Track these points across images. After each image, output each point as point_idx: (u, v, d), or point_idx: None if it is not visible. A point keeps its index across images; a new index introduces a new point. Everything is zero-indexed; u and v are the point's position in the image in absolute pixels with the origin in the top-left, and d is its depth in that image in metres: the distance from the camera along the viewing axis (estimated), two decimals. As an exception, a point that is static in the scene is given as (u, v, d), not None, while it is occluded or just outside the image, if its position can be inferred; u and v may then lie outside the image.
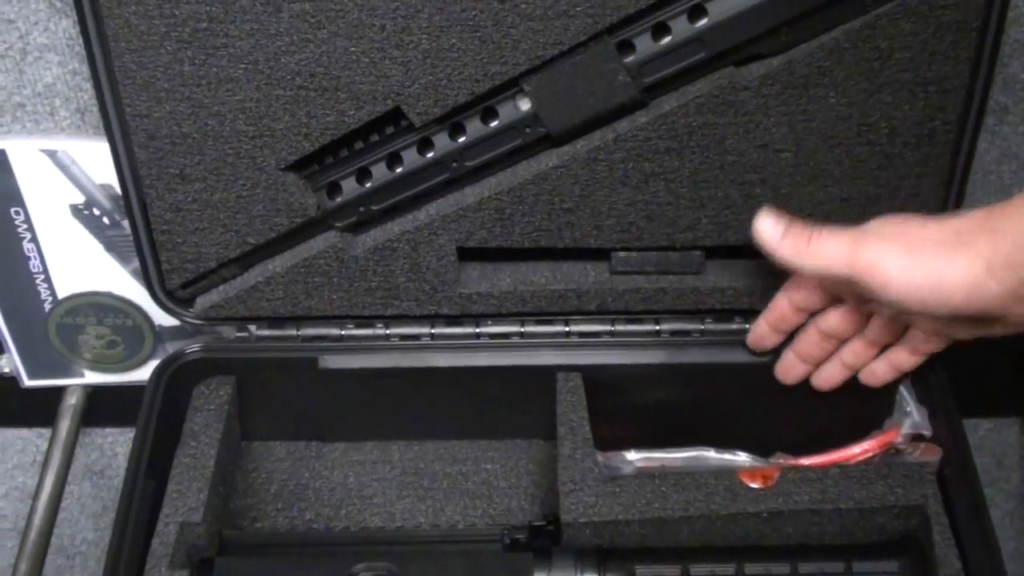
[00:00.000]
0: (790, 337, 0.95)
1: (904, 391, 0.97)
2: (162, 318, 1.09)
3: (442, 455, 1.05)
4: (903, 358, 0.92)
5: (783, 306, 0.93)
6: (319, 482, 1.03)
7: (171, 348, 1.11)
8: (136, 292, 1.08)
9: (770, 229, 0.85)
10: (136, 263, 1.01)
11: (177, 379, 0.98)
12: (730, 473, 0.92)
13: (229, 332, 1.02)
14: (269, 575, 0.90)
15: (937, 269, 0.76)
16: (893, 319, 0.89)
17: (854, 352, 0.93)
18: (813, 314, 0.93)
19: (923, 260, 0.77)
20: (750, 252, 0.92)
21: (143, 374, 1.13)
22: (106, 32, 0.84)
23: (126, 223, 0.98)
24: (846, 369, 0.94)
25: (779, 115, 0.87)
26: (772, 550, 0.90)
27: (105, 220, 1.03)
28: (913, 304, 0.78)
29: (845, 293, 0.89)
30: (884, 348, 0.93)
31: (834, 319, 0.92)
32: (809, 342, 0.94)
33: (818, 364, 0.96)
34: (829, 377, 0.95)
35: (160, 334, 1.11)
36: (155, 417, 0.95)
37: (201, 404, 0.98)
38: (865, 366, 0.94)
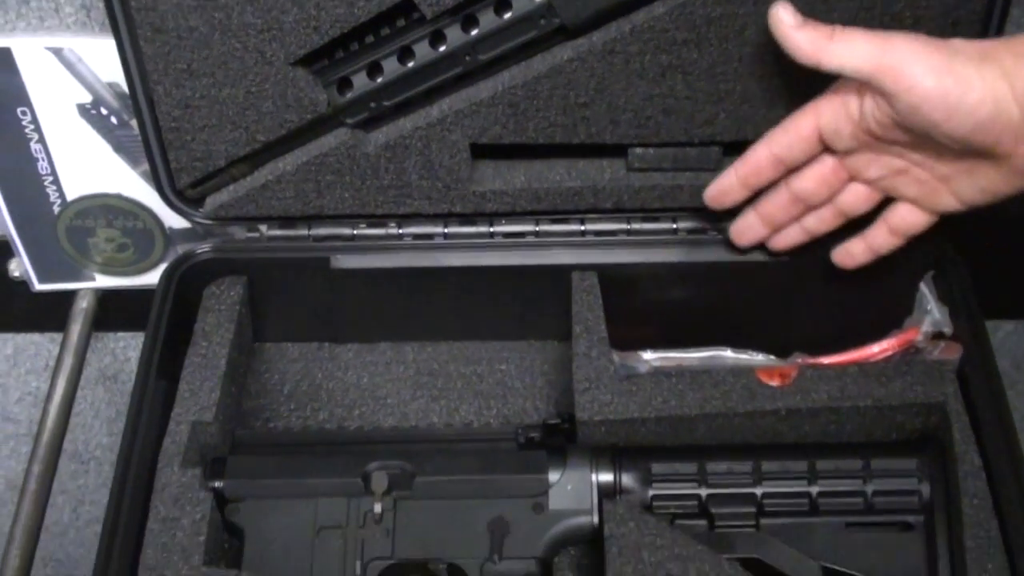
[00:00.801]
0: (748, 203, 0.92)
1: (925, 289, 0.96)
2: (173, 220, 1.08)
3: (456, 356, 1.04)
4: (881, 238, 0.89)
5: (761, 156, 0.88)
6: (332, 383, 1.03)
7: (182, 251, 1.10)
8: (146, 194, 1.06)
9: (788, 17, 0.80)
10: (146, 164, 0.99)
11: (188, 279, 0.98)
12: (747, 371, 0.91)
13: (240, 233, 1.01)
14: (282, 473, 0.89)
15: (966, 75, 0.73)
16: (877, 181, 0.86)
17: (820, 219, 0.90)
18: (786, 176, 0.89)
19: (953, 65, 0.74)
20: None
21: (154, 278, 1.12)
22: (109, -79, 0.83)
23: (134, 123, 0.96)
24: (805, 234, 0.91)
25: (801, 3, 0.85)
26: (790, 448, 0.90)
27: (113, 120, 1.02)
28: (936, 113, 0.75)
29: (843, 120, 0.83)
30: (852, 224, 0.90)
31: (810, 180, 0.87)
32: (776, 203, 0.90)
33: (777, 230, 0.92)
34: (786, 239, 0.92)
35: (171, 237, 1.10)
36: (166, 317, 0.95)
37: (212, 304, 0.97)
38: (827, 232, 0.91)
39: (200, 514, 0.85)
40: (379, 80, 0.90)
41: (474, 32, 0.88)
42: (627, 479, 0.88)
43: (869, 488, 0.87)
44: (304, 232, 0.98)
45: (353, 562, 0.86)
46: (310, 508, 0.88)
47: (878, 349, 0.95)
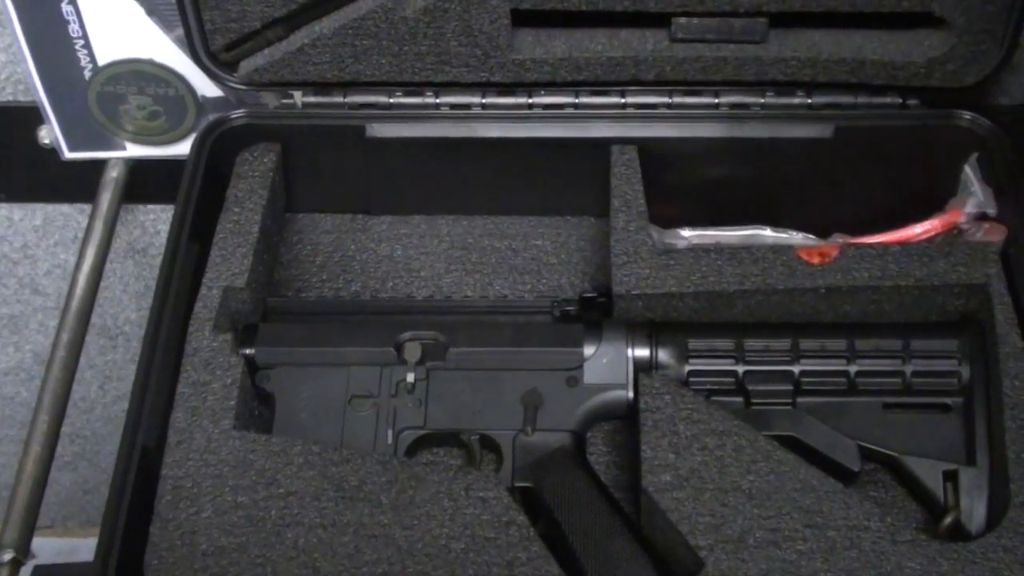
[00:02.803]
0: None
1: (969, 170, 0.93)
2: (206, 88, 1.06)
3: (491, 230, 1.03)
4: None
5: None
6: (365, 255, 1.02)
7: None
8: (179, 60, 1.04)
9: None
10: (179, 29, 0.97)
11: (221, 145, 0.96)
12: (787, 249, 0.90)
13: (273, 102, 0.99)
14: (314, 341, 0.89)
15: None
16: None
17: None
18: None
19: None
20: (816, 20, 0.87)
21: (185, 148, 1.10)
22: None
23: (167, -18, 0.95)
24: None
25: None
26: (829, 326, 0.89)
27: (145, -21, 1.00)
28: None
29: None
30: None
31: None
32: None
33: None
34: None
35: (203, 106, 1.08)
36: (198, 181, 0.94)
37: (245, 171, 0.96)
38: None
39: (231, 379, 0.85)
40: (419, -60, 0.88)
41: None
42: (663, 354, 0.87)
43: (908, 369, 0.86)
44: (339, 99, 0.96)
45: (385, 431, 0.86)
46: (342, 376, 0.88)
47: (920, 230, 0.93)
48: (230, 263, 0.90)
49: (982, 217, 0.92)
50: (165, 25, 1.02)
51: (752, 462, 0.81)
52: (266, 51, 0.94)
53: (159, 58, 1.05)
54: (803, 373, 0.86)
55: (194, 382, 0.85)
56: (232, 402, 0.84)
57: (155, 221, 1.23)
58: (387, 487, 0.81)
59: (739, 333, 0.88)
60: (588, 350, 0.87)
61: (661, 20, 0.92)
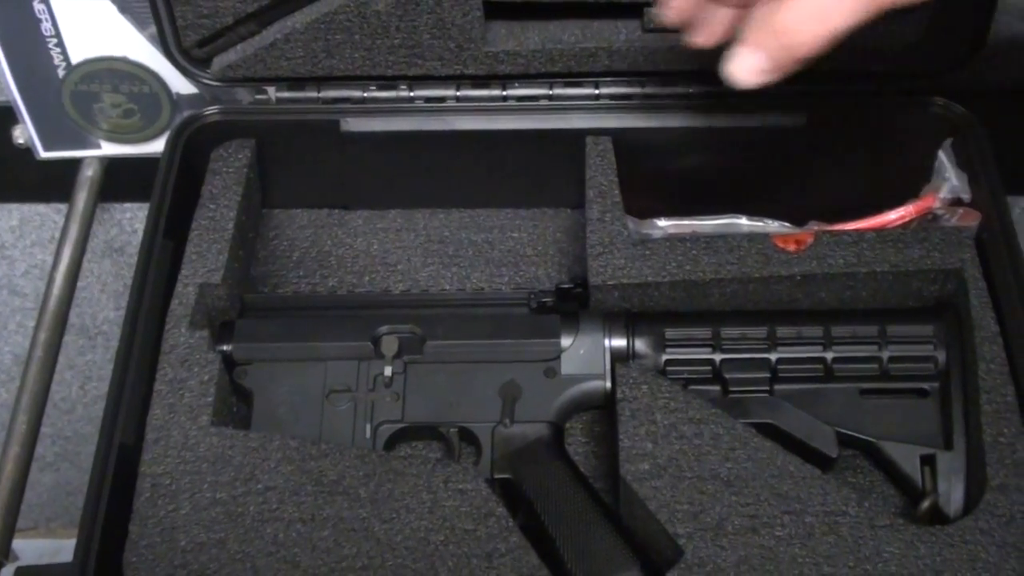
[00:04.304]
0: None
1: (943, 156, 0.94)
2: (180, 85, 1.06)
3: (467, 223, 1.03)
4: None
5: None
6: (342, 249, 1.01)
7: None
8: (153, 58, 1.04)
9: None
10: (153, 27, 0.97)
11: (195, 141, 0.96)
12: (763, 237, 0.90)
13: (246, 98, 0.99)
14: (291, 336, 0.89)
15: None
16: None
17: None
18: None
19: None
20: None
21: (160, 146, 1.10)
22: None
23: (139, -21, 0.94)
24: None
25: None
26: (805, 313, 0.89)
27: (117, -24, 0.99)
28: None
29: None
30: None
31: None
32: None
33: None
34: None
35: (177, 103, 1.08)
36: (173, 178, 0.93)
37: (219, 167, 0.96)
38: None
39: (208, 375, 0.85)
40: (390, -67, 0.88)
41: None
42: (640, 344, 0.87)
43: (884, 354, 0.86)
44: (313, 94, 0.96)
45: (363, 425, 0.86)
46: (319, 371, 0.88)
47: (895, 216, 0.93)
48: (205, 259, 0.90)
49: (957, 202, 0.92)
50: (138, 23, 1.02)
51: (730, 450, 0.81)
52: (239, 47, 0.94)
53: (133, 56, 1.04)
54: (780, 360, 0.86)
55: (171, 379, 0.85)
56: (210, 399, 0.84)
57: (132, 220, 1.23)
58: (365, 481, 0.81)
59: (715, 321, 0.88)
60: (565, 341, 0.87)
61: (634, 10, 0.92)
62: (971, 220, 0.90)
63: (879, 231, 0.90)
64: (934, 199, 0.92)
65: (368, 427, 0.86)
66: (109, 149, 1.13)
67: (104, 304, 1.33)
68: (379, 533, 0.79)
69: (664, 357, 0.87)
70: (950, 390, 0.85)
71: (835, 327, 0.87)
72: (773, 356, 0.86)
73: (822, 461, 0.83)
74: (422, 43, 0.92)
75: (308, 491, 0.80)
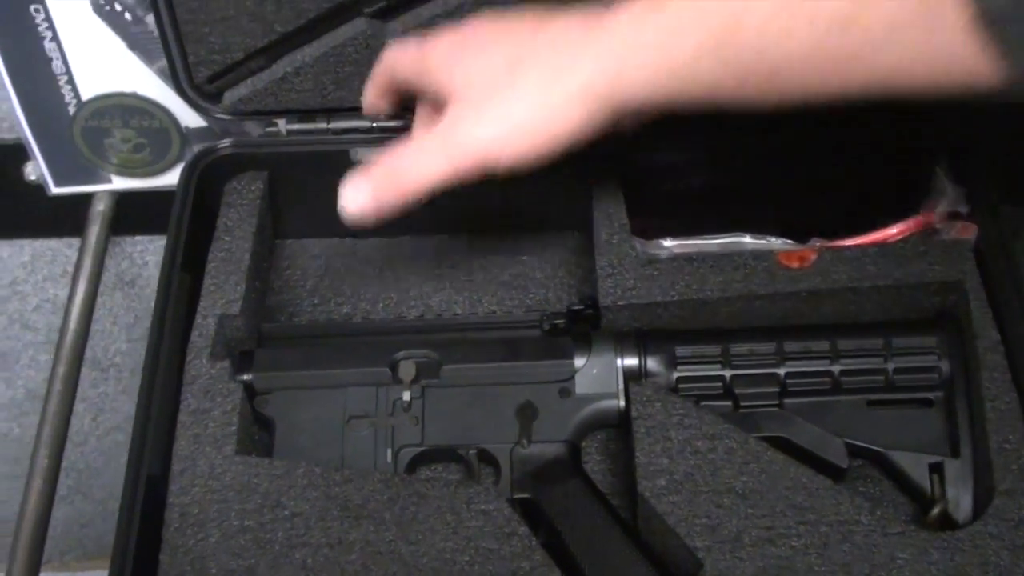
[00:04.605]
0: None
1: (940, 171, 0.96)
2: (189, 119, 1.08)
3: (476, 248, 1.04)
4: None
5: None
6: (354, 277, 1.03)
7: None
8: (162, 92, 1.06)
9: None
10: (162, 61, 0.99)
11: (209, 174, 0.98)
12: (767, 255, 0.92)
13: (256, 131, 1.01)
14: (310, 364, 0.90)
15: None
16: None
17: None
18: None
19: None
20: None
21: (171, 179, 1.12)
22: None
23: (149, 19, 0.96)
24: None
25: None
26: (811, 328, 0.91)
27: (128, 16, 1.01)
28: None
29: None
30: None
31: None
32: None
33: None
34: None
35: (187, 137, 1.10)
36: (188, 212, 0.95)
37: (233, 200, 0.98)
38: None
39: (231, 405, 0.87)
40: (398, -33, 0.90)
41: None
42: (652, 362, 0.89)
43: (890, 366, 0.88)
44: (323, 125, 0.98)
45: (384, 450, 0.88)
46: (339, 398, 0.89)
47: (896, 230, 0.95)
48: (223, 291, 0.92)
49: (955, 216, 0.94)
50: (147, 58, 1.04)
51: (744, 463, 0.83)
52: (249, 81, 0.96)
53: (142, 91, 1.06)
54: (788, 375, 0.88)
55: (194, 410, 0.86)
56: (233, 428, 0.86)
57: (143, 252, 1.25)
58: (390, 504, 0.82)
59: (725, 339, 0.89)
60: (579, 361, 0.89)
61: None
62: (969, 233, 0.92)
63: (880, 246, 0.92)
64: (933, 213, 0.95)
65: (389, 451, 0.88)
66: (119, 183, 1.15)
67: (116, 336, 1.35)
68: (406, 555, 0.80)
69: (676, 375, 0.89)
70: (954, 399, 0.87)
71: (841, 341, 0.89)
72: (782, 371, 0.88)
73: (833, 472, 0.85)
74: (429, 72, 0.94)
75: (335, 516, 0.82)
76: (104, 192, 1.16)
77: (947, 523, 0.84)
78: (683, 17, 0.69)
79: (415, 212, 1.01)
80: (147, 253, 1.25)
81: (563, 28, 0.73)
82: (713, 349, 0.89)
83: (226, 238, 0.95)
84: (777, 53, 0.66)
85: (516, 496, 0.86)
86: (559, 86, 0.72)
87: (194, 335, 0.90)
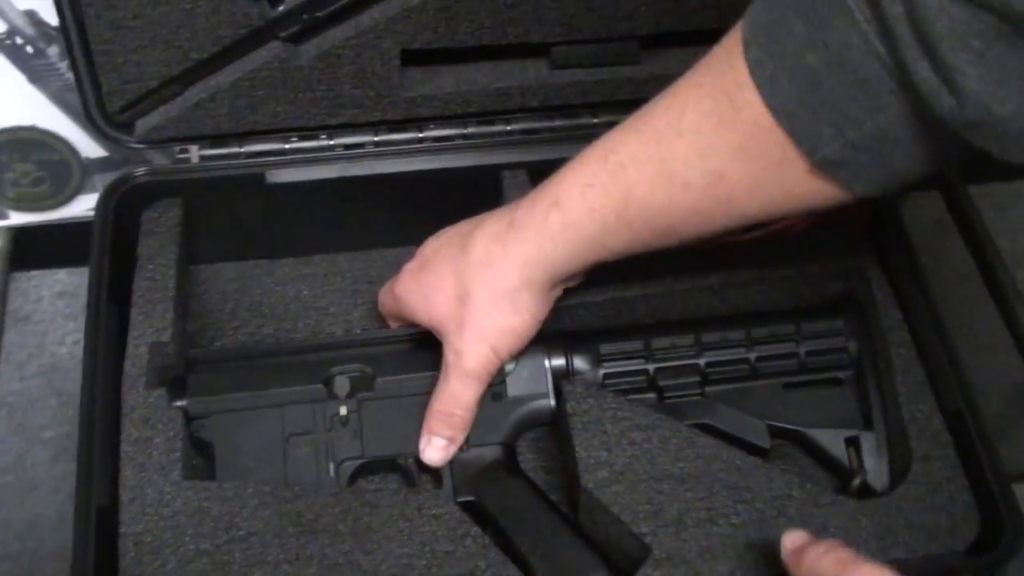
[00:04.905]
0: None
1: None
2: (89, 149, 1.07)
3: (391, 262, 1.05)
4: None
5: None
6: (273, 298, 1.04)
7: (99, 181, 1.09)
8: (62, 124, 1.05)
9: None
10: (63, 94, 0.98)
11: (124, 204, 0.97)
12: (678, 252, 0.96)
13: (162, 159, 1.01)
14: (245, 386, 0.91)
15: None
16: None
17: None
18: None
19: None
20: (684, 39, 0.94)
21: (69, 212, 1.11)
22: None
23: (51, 51, 0.95)
24: None
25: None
26: (727, 319, 0.95)
27: (29, 49, 1.00)
28: None
29: None
30: None
31: None
32: None
33: None
34: None
35: (87, 167, 1.09)
36: (108, 242, 0.95)
37: (152, 228, 0.97)
38: None
39: (172, 432, 0.87)
40: (309, -9, 0.91)
41: (402, -61, 0.90)
42: (579, 361, 0.92)
43: (802, 349, 0.93)
44: (236, 149, 0.99)
45: (326, 464, 0.89)
46: (276, 417, 0.90)
47: (796, 220, 1.00)
48: (151, 319, 0.92)
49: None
50: (48, 91, 1.03)
51: (679, 450, 0.87)
52: (161, 108, 0.96)
53: (43, 124, 1.05)
54: (708, 364, 0.93)
55: (136, 439, 0.86)
56: (178, 454, 0.86)
57: (37, 287, 1.22)
58: (343, 516, 0.84)
59: (646, 334, 0.93)
60: (509, 366, 0.91)
61: (542, 50, 0.98)
62: (864, 217, 0.98)
63: (784, 236, 0.97)
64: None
65: (332, 465, 0.89)
66: (16, 218, 1.13)
67: (9, 376, 1.31)
68: (364, 565, 0.82)
69: (602, 371, 0.92)
70: (864, 376, 0.93)
71: (755, 329, 0.93)
72: (702, 361, 0.92)
73: (757, 453, 0.89)
74: (344, 93, 0.96)
75: (289, 532, 0.83)
76: (2, 228, 1.13)
77: (867, 492, 0.89)
78: (579, 211, 0.79)
79: (330, 229, 1.04)
80: (42, 288, 1.22)
81: (488, 239, 0.85)
82: (636, 344, 0.93)
83: (149, 267, 0.95)
84: (668, 213, 0.76)
85: (460, 500, 0.88)
86: (504, 296, 0.84)
87: (127, 364, 0.90)
